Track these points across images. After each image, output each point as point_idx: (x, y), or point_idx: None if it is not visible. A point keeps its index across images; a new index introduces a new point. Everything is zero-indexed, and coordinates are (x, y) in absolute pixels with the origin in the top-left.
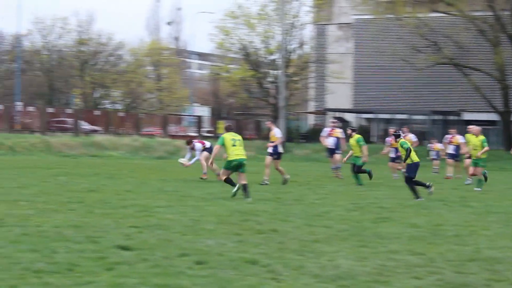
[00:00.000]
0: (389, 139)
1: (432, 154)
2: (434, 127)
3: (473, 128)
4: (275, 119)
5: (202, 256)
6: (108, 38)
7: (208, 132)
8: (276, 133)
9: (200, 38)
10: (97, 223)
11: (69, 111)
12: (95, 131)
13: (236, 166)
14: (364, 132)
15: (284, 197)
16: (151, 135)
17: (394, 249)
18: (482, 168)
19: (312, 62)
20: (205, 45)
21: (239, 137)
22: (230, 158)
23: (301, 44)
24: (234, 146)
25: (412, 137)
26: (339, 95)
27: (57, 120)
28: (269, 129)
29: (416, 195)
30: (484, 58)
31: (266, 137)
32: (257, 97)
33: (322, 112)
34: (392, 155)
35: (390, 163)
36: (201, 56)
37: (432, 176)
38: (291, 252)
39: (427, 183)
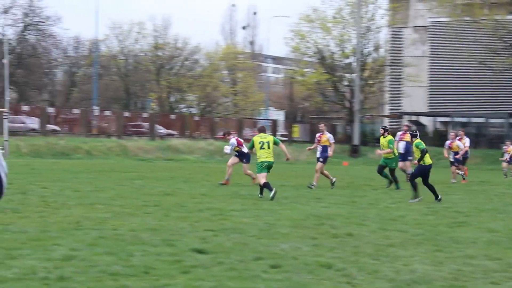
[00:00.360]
0: (449, 142)
1: (506, 156)
2: (511, 130)
3: None
4: (350, 123)
5: (277, 259)
6: (184, 43)
7: (283, 135)
8: (330, 138)
9: (275, 42)
10: (173, 226)
11: (145, 115)
12: (170, 135)
13: (267, 168)
14: (440, 135)
15: (359, 201)
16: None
17: (471, 254)
18: None
19: (388, 65)
20: (280, 49)
21: (269, 138)
22: (259, 160)
23: (377, 47)
24: (263, 149)
25: (467, 141)
26: (415, 98)
27: (133, 124)
28: (322, 132)
29: (416, 194)
30: None
31: (341, 141)
32: (332, 100)
33: (397, 115)
34: (452, 158)
35: (453, 167)
36: (276, 60)
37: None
38: (366, 256)
39: (439, 197)
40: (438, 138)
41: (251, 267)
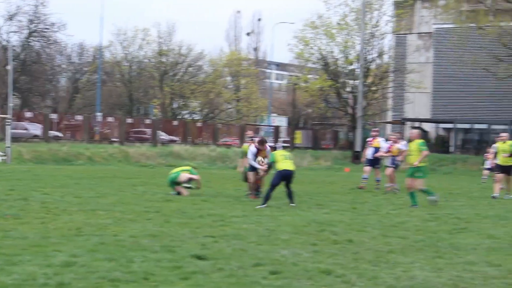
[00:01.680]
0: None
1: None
2: None
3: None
4: (353, 129)
5: (277, 266)
6: (188, 49)
7: (285, 142)
8: (401, 147)
9: (279, 48)
10: (173, 232)
11: (147, 121)
12: (173, 141)
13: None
14: (443, 142)
15: (360, 207)
16: (228, 145)
17: (471, 260)
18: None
19: (391, 71)
20: (283, 55)
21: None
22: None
23: (381, 54)
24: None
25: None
26: (418, 104)
27: (136, 130)
28: (394, 142)
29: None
30: None
31: (343, 147)
32: (334, 107)
33: (400, 121)
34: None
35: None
36: (280, 66)
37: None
38: (366, 262)
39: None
40: (441, 145)
41: (250, 273)
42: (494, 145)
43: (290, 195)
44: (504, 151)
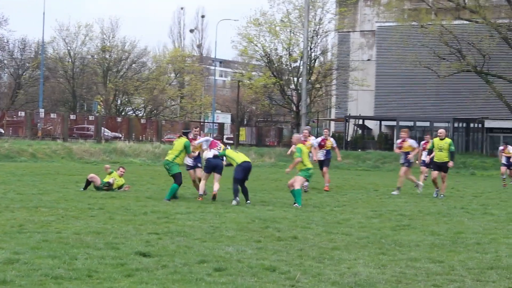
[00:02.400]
0: (502, 148)
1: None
2: (456, 134)
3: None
4: (297, 126)
5: (222, 263)
6: (132, 45)
7: (228, 139)
8: (412, 143)
9: (223, 45)
10: (117, 229)
11: (91, 118)
12: (116, 138)
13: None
14: (386, 139)
15: (305, 204)
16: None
17: (414, 257)
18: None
19: (335, 69)
20: (227, 52)
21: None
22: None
23: (324, 51)
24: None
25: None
26: (361, 102)
27: (79, 127)
28: (403, 140)
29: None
30: (508, 66)
31: (286, 144)
32: (279, 104)
33: (344, 119)
34: (504, 162)
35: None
36: (224, 63)
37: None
38: (310, 259)
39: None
40: (384, 142)
41: (195, 270)
42: (422, 142)
43: (245, 192)
44: (441, 149)
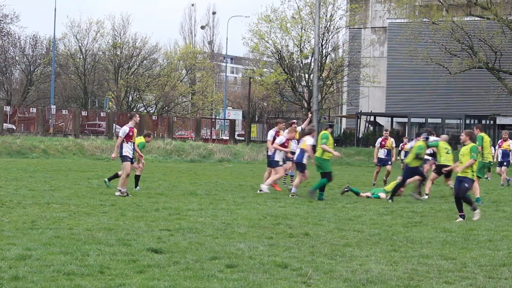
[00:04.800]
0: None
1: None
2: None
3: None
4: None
5: (233, 259)
6: (143, 42)
7: (239, 135)
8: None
9: (234, 42)
10: (129, 226)
11: (102, 114)
12: None
13: None
14: (398, 136)
15: (316, 201)
16: (183, 139)
17: (426, 254)
18: None
19: (346, 65)
20: (238, 49)
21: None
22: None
23: (335, 48)
24: None
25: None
26: (373, 98)
27: (91, 123)
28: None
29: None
30: None
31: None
32: (290, 100)
33: (355, 115)
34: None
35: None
36: (235, 59)
37: None
38: (322, 256)
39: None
40: (396, 139)
41: (206, 266)
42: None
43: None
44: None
